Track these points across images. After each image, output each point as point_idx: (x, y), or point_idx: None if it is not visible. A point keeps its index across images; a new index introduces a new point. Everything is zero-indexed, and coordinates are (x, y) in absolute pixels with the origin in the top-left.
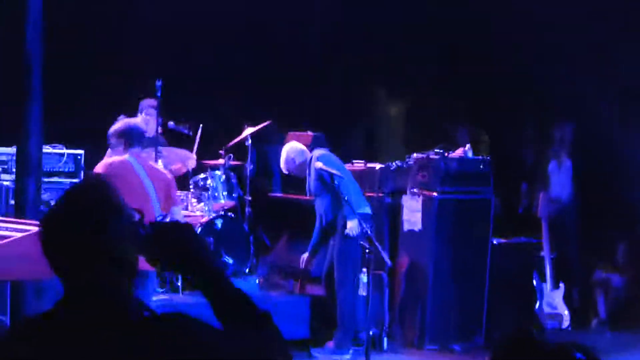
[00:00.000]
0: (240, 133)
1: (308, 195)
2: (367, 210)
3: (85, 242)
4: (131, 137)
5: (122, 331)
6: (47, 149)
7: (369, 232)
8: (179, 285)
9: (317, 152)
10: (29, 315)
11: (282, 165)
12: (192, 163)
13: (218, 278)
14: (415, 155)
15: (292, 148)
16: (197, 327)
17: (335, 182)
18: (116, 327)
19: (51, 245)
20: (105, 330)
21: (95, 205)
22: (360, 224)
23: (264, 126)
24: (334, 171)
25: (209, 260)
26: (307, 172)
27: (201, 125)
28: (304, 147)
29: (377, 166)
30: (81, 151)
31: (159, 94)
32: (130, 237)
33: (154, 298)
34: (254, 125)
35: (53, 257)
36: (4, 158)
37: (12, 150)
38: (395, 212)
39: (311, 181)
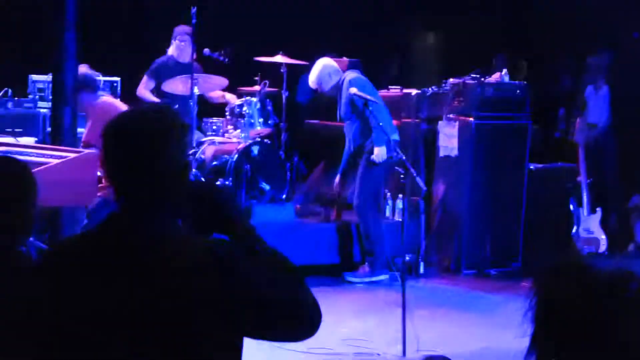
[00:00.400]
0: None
1: (338, 119)
2: (396, 137)
3: (145, 158)
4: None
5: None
6: None
7: (402, 157)
8: None
9: (350, 74)
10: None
11: (314, 80)
12: (233, 99)
13: (252, 238)
14: (451, 80)
15: (328, 63)
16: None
17: (370, 107)
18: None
19: (111, 155)
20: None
21: (162, 128)
22: (389, 150)
23: (298, 63)
24: (368, 97)
25: (243, 220)
26: (339, 95)
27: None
28: (338, 67)
29: (413, 92)
30: (117, 78)
31: (194, 21)
32: (185, 174)
33: None
34: (289, 55)
35: (111, 168)
36: (41, 85)
37: (49, 78)
38: (431, 138)
39: (342, 105)
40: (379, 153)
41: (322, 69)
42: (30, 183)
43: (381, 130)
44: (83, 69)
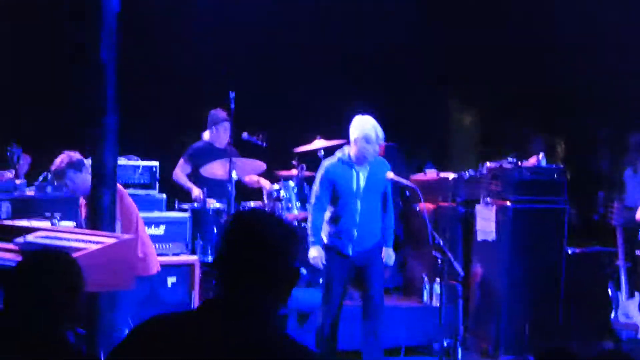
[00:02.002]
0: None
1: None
2: None
3: (271, 259)
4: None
5: (257, 345)
6: (122, 160)
7: (440, 242)
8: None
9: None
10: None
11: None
12: (267, 185)
13: None
14: (488, 164)
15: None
16: None
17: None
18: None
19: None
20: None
21: (287, 234)
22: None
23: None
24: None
25: None
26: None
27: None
28: None
29: (450, 176)
30: (156, 163)
31: (232, 105)
32: (296, 279)
33: None
34: (326, 138)
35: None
36: None
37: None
38: (468, 221)
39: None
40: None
41: (372, 130)
42: (79, 276)
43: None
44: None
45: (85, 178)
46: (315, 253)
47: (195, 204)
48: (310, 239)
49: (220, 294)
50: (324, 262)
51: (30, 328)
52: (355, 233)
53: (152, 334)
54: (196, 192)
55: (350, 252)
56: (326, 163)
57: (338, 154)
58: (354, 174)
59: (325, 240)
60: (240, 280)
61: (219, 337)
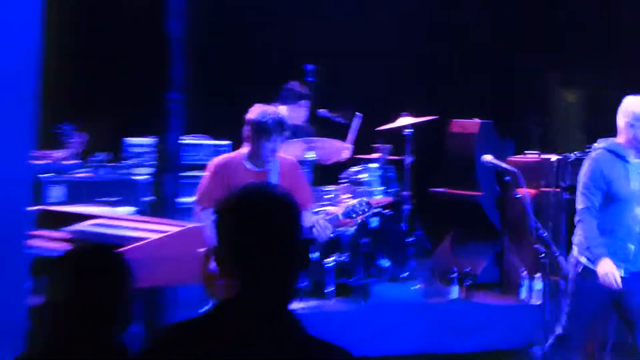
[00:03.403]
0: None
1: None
2: None
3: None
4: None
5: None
6: (188, 139)
7: (543, 233)
8: (329, 292)
9: None
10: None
11: None
12: (345, 153)
13: None
14: (596, 144)
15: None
16: None
17: None
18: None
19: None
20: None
21: (292, 209)
22: None
23: (428, 120)
24: None
25: None
26: None
27: (357, 113)
28: None
29: (554, 157)
30: (228, 142)
31: (310, 79)
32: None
33: (303, 305)
34: (413, 114)
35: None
36: (138, 150)
37: (146, 140)
38: (573, 209)
39: None
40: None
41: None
42: (125, 273)
43: None
44: None
45: None
46: (608, 267)
47: None
48: (595, 251)
49: (236, 292)
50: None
51: (68, 328)
52: (632, 249)
53: (178, 347)
54: None
55: (622, 274)
56: (594, 155)
57: (601, 143)
58: (630, 170)
59: (581, 258)
60: (255, 275)
61: (249, 343)
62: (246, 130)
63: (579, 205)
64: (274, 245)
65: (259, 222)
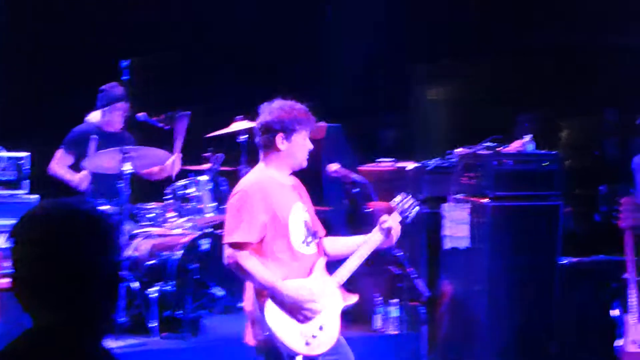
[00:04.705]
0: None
1: None
2: None
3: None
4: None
5: None
6: None
7: (398, 253)
8: (153, 327)
9: None
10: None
11: None
12: (177, 165)
13: None
14: (458, 150)
15: None
16: None
17: None
18: None
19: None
20: None
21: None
22: None
23: None
24: None
25: None
26: None
27: (182, 112)
28: None
29: (410, 166)
30: (25, 154)
31: (125, 78)
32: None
33: (122, 343)
34: (249, 118)
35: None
36: None
37: None
38: (433, 225)
39: None
40: None
41: None
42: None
43: None
44: None
45: None
46: None
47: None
48: None
49: (38, 322)
50: None
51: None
52: None
53: None
54: (77, 178)
55: None
56: None
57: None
58: None
59: None
60: (55, 308)
61: None
62: None
63: None
64: (68, 273)
65: (49, 248)
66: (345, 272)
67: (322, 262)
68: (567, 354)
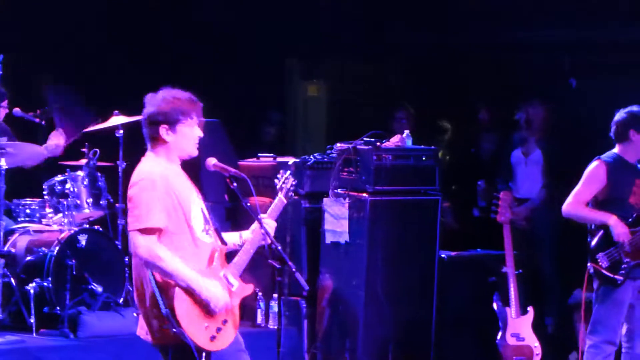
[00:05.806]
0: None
1: None
2: None
3: None
4: None
5: None
6: None
7: (277, 247)
8: (31, 323)
9: None
10: None
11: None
12: (60, 140)
13: None
14: (338, 145)
15: None
16: None
17: None
18: None
19: None
20: None
21: None
22: None
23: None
24: None
25: None
26: None
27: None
28: None
29: (290, 161)
30: None
31: None
32: None
33: (0, 339)
34: (126, 113)
35: None
36: None
37: None
38: (314, 220)
39: None
40: None
41: None
42: None
43: None
44: None
45: None
46: None
47: None
48: None
49: None
50: None
51: None
52: None
53: None
54: None
55: None
56: None
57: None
58: None
59: None
60: None
61: None
62: None
63: None
64: None
65: None
66: (236, 269)
67: (221, 251)
68: (447, 348)
